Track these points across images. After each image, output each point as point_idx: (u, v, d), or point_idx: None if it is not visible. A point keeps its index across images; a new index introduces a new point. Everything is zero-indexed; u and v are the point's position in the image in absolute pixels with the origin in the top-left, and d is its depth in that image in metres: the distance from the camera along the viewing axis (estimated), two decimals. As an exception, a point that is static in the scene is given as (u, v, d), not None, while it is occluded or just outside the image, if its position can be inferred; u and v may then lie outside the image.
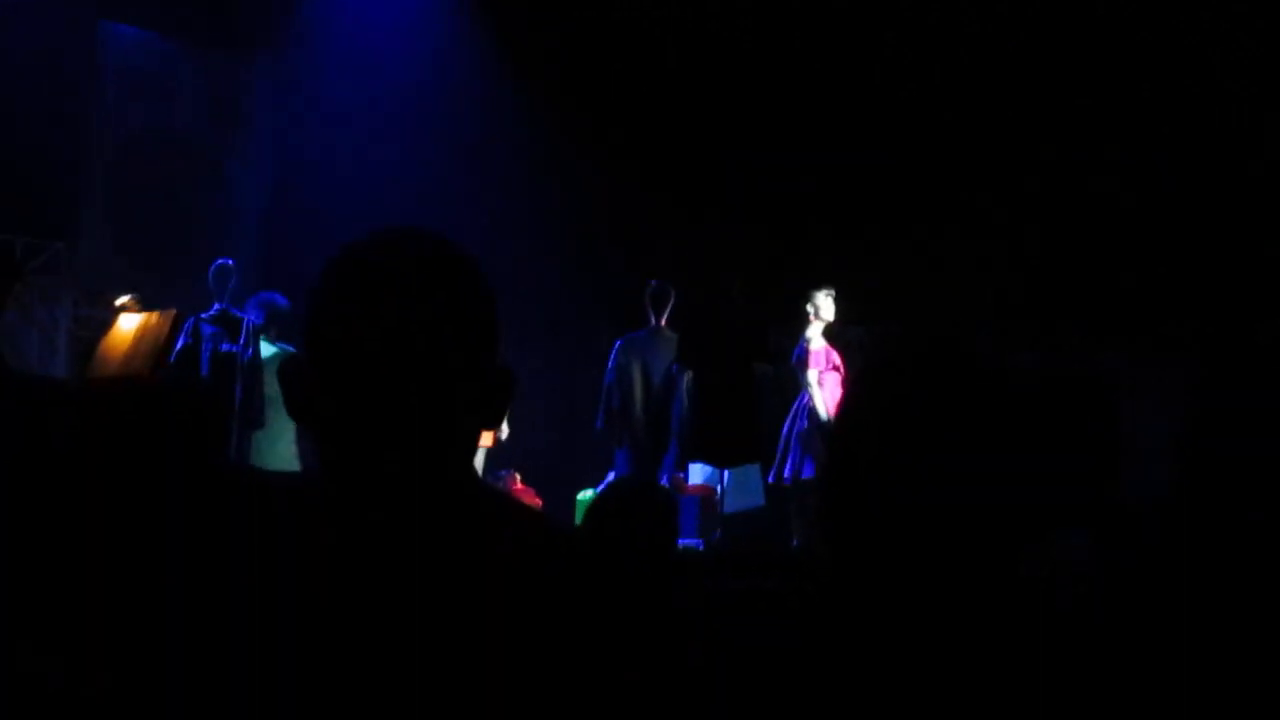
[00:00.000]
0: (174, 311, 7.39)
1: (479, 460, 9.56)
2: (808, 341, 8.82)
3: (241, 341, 9.06)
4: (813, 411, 8.67)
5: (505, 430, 9.69)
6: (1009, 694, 1.49)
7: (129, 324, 7.41)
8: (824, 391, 8.69)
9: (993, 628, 1.53)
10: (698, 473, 9.40)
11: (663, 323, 9.64)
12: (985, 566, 1.55)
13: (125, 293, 9.26)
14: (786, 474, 8.86)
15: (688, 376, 9.34)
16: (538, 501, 9.77)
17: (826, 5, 11.34)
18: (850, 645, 1.54)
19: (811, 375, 8.72)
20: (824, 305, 8.89)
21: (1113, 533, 2.10)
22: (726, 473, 9.29)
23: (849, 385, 1.67)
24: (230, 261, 9.40)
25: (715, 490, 9.12)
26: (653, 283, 9.65)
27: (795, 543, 8.84)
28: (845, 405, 1.65)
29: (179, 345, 8.93)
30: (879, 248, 10.69)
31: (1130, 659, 1.56)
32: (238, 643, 1.43)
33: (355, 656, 1.42)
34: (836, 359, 8.85)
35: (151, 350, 6.94)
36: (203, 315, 9.12)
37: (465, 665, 1.43)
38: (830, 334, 8.95)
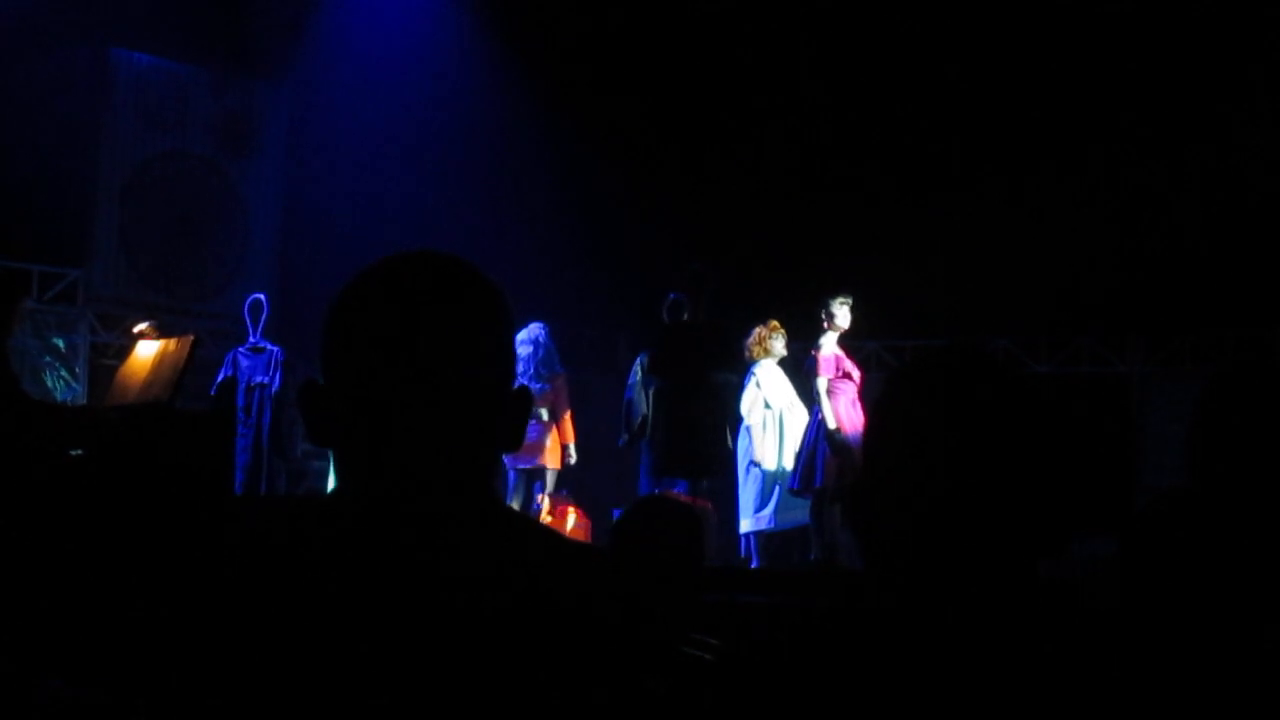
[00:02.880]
0: (192, 337, 7.39)
1: (549, 480, 9.51)
2: (819, 349, 8.70)
3: (269, 373, 9.51)
4: (822, 421, 8.59)
5: (574, 454, 9.65)
6: (1034, 692, 1.49)
7: (147, 350, 7.41)
8: (834, 400, 8.58)
9: (1017, 628, 1.53)
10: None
11: None
12: (1009, 570, 1.55)
13: (142, 319, 9.33)
14: (794, 484, 8.80)
15: (655, 387, 9.29)
16: (585, 520, 9.70)
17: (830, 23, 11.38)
18: (883, 651, 1.54)
19: (821, 383, 8.58)
20: (839, 313, 8.73)
21: (1131, 535, 2.10)
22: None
23: (878, 397, 1.67)
24: (263, 296, 9.85)
25: (708, 504, 8.97)
26: (671, 295, 9.61)
27: (812, 555, 8.76)
28: (872, 416, 1.66)
29: (220, 377, 9.60)
30: (896, 256, 10.68)
31: (1151, 658, 1.56)
32: (243, 660, 1.43)
33: (370, 675, 1.42)
34: (849, 366, 8.71)
35: (171, 377, 6.93)
36: (240, 348, 9.72)
37: (484, 681, 1.43)
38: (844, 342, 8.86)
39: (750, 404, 9.17)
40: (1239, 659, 1.66)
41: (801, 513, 9.02)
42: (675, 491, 8.91)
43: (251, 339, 9.74)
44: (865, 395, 8.69)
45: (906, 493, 1.57)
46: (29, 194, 10.55)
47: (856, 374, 8.79)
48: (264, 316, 9.75)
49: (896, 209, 11.05)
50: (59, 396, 10.69)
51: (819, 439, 8.58)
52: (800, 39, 11.52)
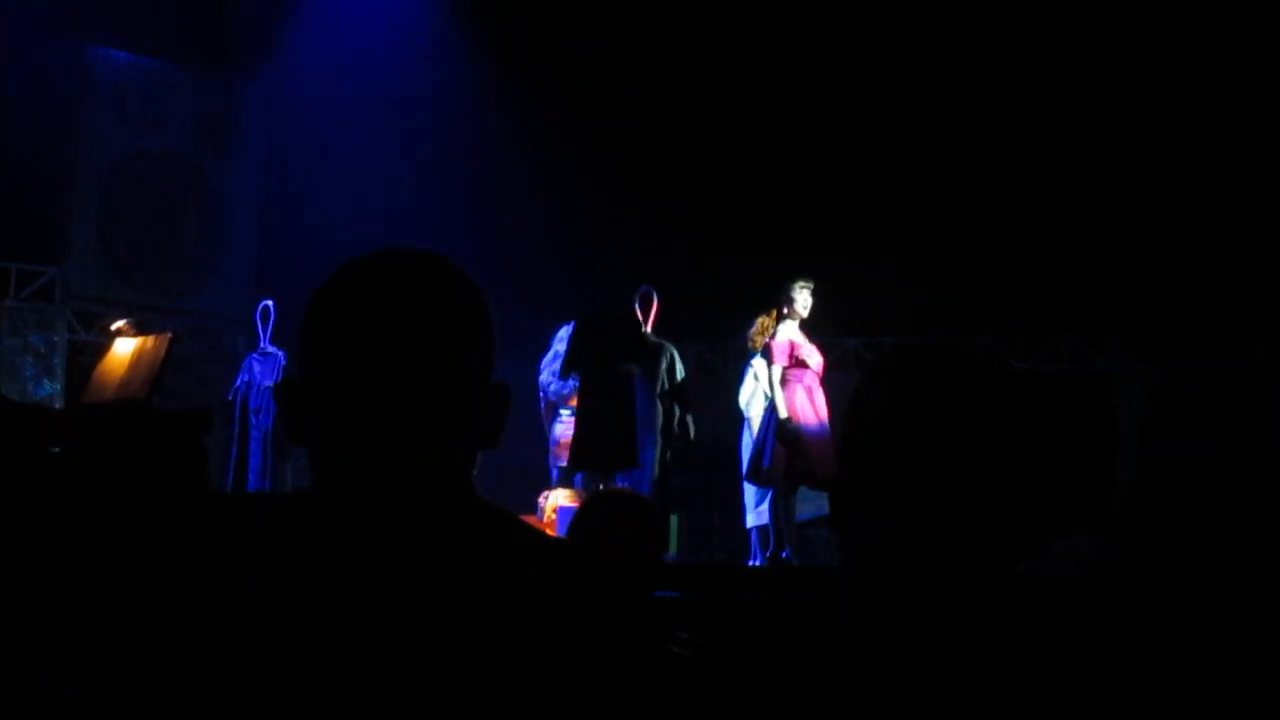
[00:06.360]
0: (170, 334, 7.35)
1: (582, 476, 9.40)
2: (773, 336, 8.55)
3: (275, 377, 9.90)
4: (774, 408, 8.44)
5: None
6: (1013, 691, 1.49)
7: (124, 348, 7.37)
8: (787, 389, 8.42)
9: (997, 625, 1.53)
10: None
11: (648, 327, 9.55)
12: (988, 566, 1.55)
13: (120, 316, 9.33)
14: (744, 473, 8.75)
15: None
16: None
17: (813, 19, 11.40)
18: (861, 644, 1.54)
19: (775, 371, 8.44)
20: (798, 298, 8.57)
21: (1110, 530, 2.12)
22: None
23: (854, 393, 1.66)
24: (271, 303, 10.12)
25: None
26: (641, 287, 9.56)
27: (769, 551, 8.70)
28: (849, 413, 1.65)
29: (238, 381, 10.11)
30: (876, 252, 10.70)
31: (1128, 655, 1.56)
32: (224, 660, 1.42)
33: (346, 672, 1.41)
34: (804, 353, 8.52)
35: (149, 374, 6.90)
36: (254, 354, 10.18)
37: (459, 677, 1.42)
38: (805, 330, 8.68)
39: (749, 395, 9.02)
40: (1229, 656, 1.66)
41: (801, 506, 8.88)
42: (623, 486, 8.77)
43: (261, 344, 10.15)
44: (831, 384, 8.57)
45: (884, 490, 1.57)
46: (7, 191, 10.51)
47: (816, 359, 8.60)
48: (271, 322, 10.07)
49: (877, 204, 11.06)
50: (36, 395, 10.65)
51: (769, 429, 8.49)
52: (784, 38, 11.52)
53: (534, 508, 9.36)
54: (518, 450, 10.08)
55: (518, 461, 9.50)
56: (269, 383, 9.87)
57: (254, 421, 9.92)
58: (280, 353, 9.98)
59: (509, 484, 9.17)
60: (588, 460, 9.00)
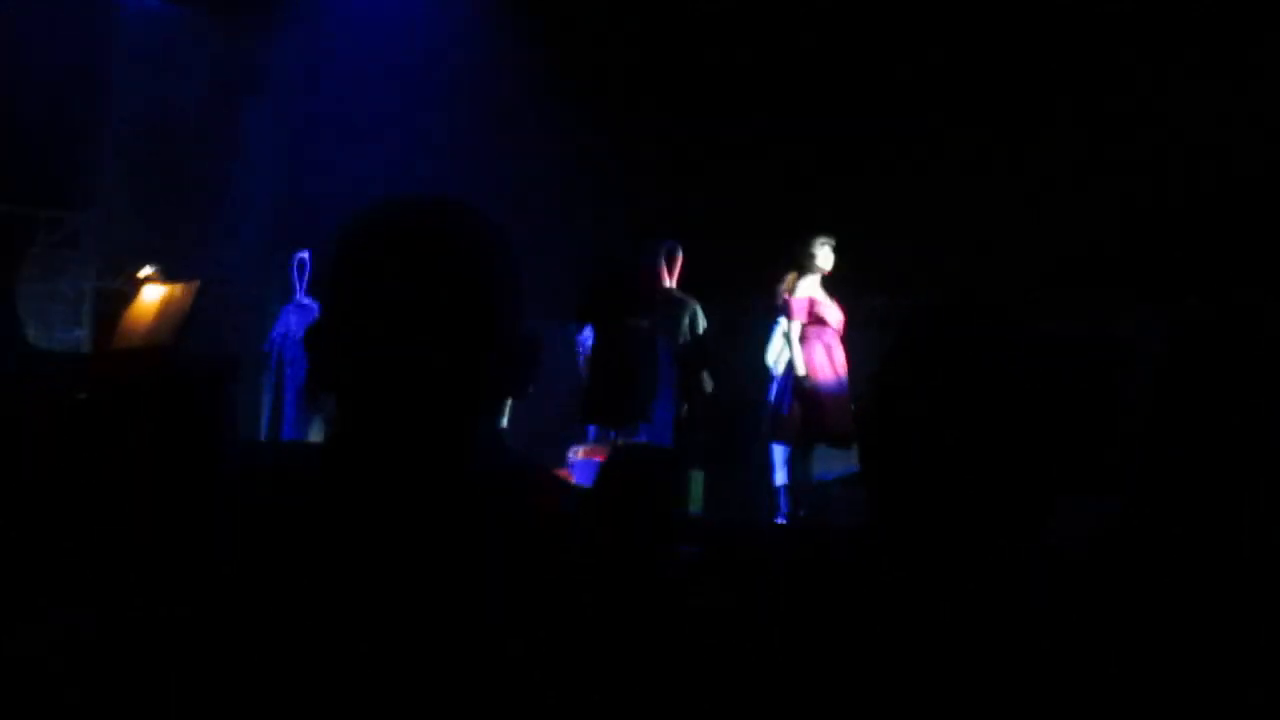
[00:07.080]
0: (197, 283, 7.39)
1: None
2: (793, 292, 8.52)
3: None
4: (790, 366, 8.43)
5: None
6: (1028, 658, 1.50)
7: (152, 295, 7.42)
8: (806, 347, 8.42)
9: (1019, 591, 1.53)
10: None
11: (673, 283, 9.49)
12: (1009, 532, 1.55)
13: (146, 264, 9.36)
14: (764, 429, 8.71)
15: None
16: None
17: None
18: (883, 605, 1.54)
19: (794, 328, 8.43)
20: (820, 254, 8.53)
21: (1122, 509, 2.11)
22: None
23: (884, 353, 1.66)
24: (306, 254, 10.23)
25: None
26: (666, 242, 9.50)
27: (786, 510, 8.68)
28: (874, 373, 1.65)
29: (275, 333, 10.26)
30: (899, 212, 10.64)
31: (1145, 630, 1.56)
32: (242, 612, 1.42)
33: (366, 626, 1.41)
34: (823, 310, 8.49)
35: (176, 323, 6.94)
36: (290, 305, 10.34)
37: (477, 631, 1.42)
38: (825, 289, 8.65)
39: (776, 353, 8.90)
40: (1229, 656, 1.66)
41: (829, 464, 8.82)
42: (644, 441, 8.72)
43: (297, 296, 10.26)
44: (853, 344, 8.53)
45: (906, 453, 1.57)
46: (33, 138, 10.54)
47: (836, 316, 8.56)
48: (307, 273, 10.18)
49: (900, 167, 10.99)
50: (64, 340, 10.71)
51: (788, 385, 8.44)
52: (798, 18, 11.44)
53: (564, 461, 9.38)
54: (550, 404, 10.06)
55: (549, 414, 9.48)
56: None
57: (289, 373, 10.00)
58: (316, 304, 9.99)
59: (542, 438, 9.17)
60: (597, 414, 8.99)
